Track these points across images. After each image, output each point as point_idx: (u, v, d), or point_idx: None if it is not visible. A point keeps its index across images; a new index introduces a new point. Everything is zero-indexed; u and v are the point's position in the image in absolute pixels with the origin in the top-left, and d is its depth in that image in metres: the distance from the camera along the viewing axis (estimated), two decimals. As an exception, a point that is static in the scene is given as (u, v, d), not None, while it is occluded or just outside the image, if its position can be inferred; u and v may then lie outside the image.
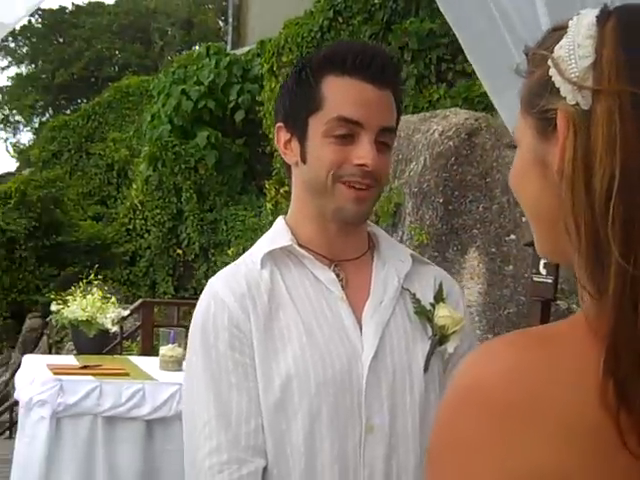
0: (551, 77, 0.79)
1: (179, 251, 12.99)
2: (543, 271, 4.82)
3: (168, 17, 24.54)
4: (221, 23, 23.74)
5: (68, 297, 4.90)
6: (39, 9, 24.98)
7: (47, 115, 25.40)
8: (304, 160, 1.41)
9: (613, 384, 0.72)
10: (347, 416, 1.34)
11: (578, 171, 0.75)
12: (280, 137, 1.45)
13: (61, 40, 25.76)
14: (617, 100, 0.74)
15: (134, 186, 13.88)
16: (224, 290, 1.39)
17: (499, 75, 1.88)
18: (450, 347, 1.37)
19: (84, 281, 5.19)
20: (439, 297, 1.41)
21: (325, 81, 1.39)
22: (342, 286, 1.41)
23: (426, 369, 1.38)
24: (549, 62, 0.80)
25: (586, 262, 0.75)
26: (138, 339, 7.96)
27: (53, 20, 25.13)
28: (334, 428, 1.33)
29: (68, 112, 22.14)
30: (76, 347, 5.07)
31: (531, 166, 0.83)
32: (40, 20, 25.46)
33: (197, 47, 18.63)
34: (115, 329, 4.94)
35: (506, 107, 1.95)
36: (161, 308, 9.91)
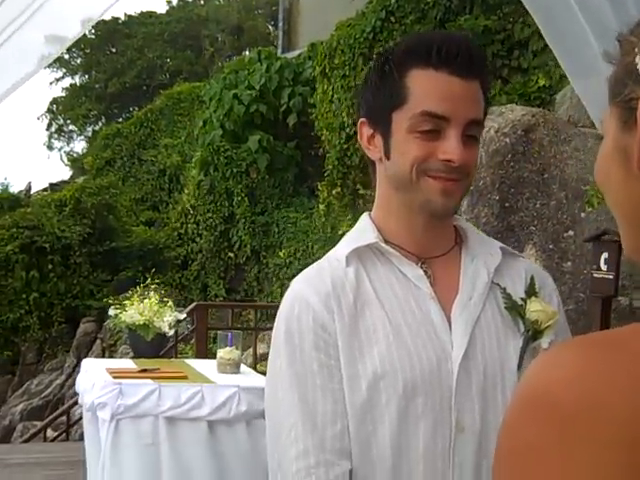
0: (637, 64, 0.75)
1: (230, 254, 13.06)
2: (604, 267, 4.71)
3: (218, 24, 24.70)
4: (271, 28, 23.82)
5: (126, 301, 4.91)
6: (91, 19, 25.30)
7: (100, 124, 25.71)
8: (388, 156, 1.36)
9: None
10: (436, 416, 1.28)
11: None
12: (363, 132, 1.40)
13: (114, 50, 26.09)
14: None
15: (186, 191, 13.98)
16: (308, 290, 1.34)
17: (579, 58, 1.82)
18: (544, 342, 1.30)
19: (141, 285, 5.20)
20: (531, 291, 1.35)
21: (409, 75, 1.33)
22: (430, 283, 1.36)
23: (519, 366, 1.31)
24: (636, 49, 0.76)
25: None
26: (192, 342, 7.98)
27: (106, 31, 25.44)
28: (423, 429, 1.28)
29: (120, 120, 22.42)
30: (133, 350, 5.08)
31: (614, 158, 0.80)
32: (93, 31, 25.82)
33: (247, 52, 18.72)
34: (172, 332, 4.94)
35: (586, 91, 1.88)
36: (213, 311, 9.95)
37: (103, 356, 11.33)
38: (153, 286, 5.10)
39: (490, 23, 7.93)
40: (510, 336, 1.34)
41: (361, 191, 9.72)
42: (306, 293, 1.34)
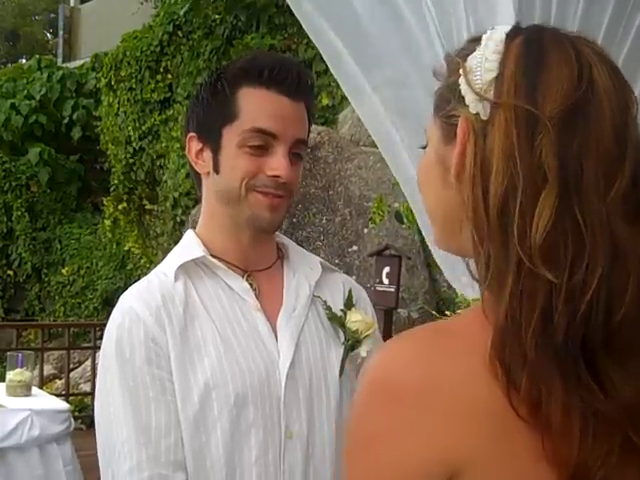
0: (459, 85, 0.84)
1: (9, 272, 12.48)
2: (386, 280, 4.97)
3: (-8, 28, 23.53)
4: (49, 36, 22.95)
5: None
6: None
7: None
8: (217, 170, 1.40)
9: (499, 366, 0.78)
10: (267, 424, 1.33)
11: (477, 175, 0.81)
12: (191, 147, 1.44)
13: None
14: (513, 114, 0.79)
15: (-42, 205, 13.15)
16: (138, 304, 1.35)
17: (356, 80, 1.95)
18: (363, 351, 1.39)
19: None
20: (349, 303, 1.43)
21: (241, 92, 1.39)
22: (256, 295, 1.41)
23: (341, 373, 1.39)
24: (460, 70, 0.84)
25: (486, 258, 0.80)
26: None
27: None
28: (254, 437, 1.32)
29: None
30: None
31: (434, 166, 0.89)
32: None
33: (24, 60, 17.94)
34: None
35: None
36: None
37: None
38: None
39: (276, 42, 8.13)
40: (332, 345, 1.42)
41: (148, 206, 9.59)
42: (136, 307, 1.34)
